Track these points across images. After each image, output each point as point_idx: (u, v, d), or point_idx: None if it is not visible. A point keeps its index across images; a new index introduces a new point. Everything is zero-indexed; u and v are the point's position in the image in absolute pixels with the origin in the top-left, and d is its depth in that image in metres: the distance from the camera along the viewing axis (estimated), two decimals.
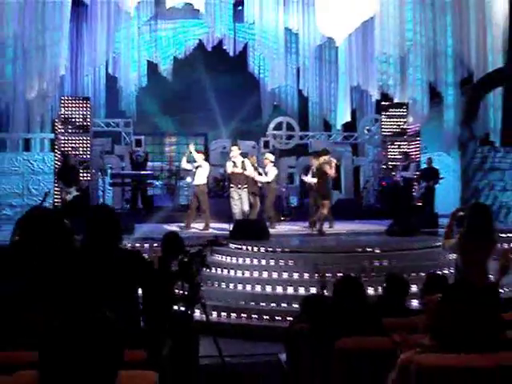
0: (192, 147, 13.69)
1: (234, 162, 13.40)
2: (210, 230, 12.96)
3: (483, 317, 2.78)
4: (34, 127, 19.30)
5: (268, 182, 13.94)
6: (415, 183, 16.50)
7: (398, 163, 17.61)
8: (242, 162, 13.47)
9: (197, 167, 13.39)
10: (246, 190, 13.34)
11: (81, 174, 15.74)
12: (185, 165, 13.82)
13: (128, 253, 4.36)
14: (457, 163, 18.18)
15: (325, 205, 12.17)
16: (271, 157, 14.36)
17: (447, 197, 18.18)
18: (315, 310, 4.57)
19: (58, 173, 14.90)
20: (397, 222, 12.35)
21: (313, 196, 13.43)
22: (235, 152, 13.61)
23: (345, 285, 4.19)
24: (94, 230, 4.18)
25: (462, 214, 5.87)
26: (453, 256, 9.63)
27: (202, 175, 13.41)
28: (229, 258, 10.07)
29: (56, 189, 16.36)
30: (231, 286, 9.28)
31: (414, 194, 14.80)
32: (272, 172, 13.94)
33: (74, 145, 16.75)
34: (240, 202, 13.20)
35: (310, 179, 13.73)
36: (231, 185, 13.44)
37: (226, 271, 9.67)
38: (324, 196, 12.29)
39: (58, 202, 16.05)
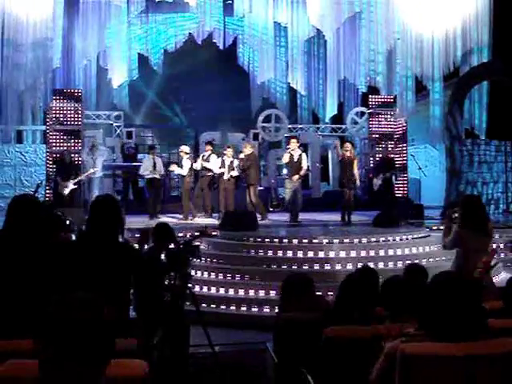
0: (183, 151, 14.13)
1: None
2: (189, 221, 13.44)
3: (469, 306, 2.79)
4: (26, 119, 19.16)
5: (183, 175, 14.05)
6: (371, 176, 16.24)
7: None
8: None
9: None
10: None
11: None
12: (177, 170, 14.05)
13: (122, 245, 4.34)
14: (442, 156, 18.25)
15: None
16: (186, 149, 14.38)
17: (433, 188, 18.28)
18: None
19: (56, 169, 14.88)
20: (382, 213, 12.42)
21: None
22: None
23: (354, 282, 4.16)
24: (96, 218, 4.17)
25: (456, 215, 5.85)
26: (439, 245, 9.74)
27: (184, 167, 13.93)
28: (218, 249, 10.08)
29: (49, 180, 16.30)
30: (220, 275, 9.27)
31: (374, 187, 14.75)
32: (186, 165, 14.02)
33: (64, 137, 16.65)
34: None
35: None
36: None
37: (215, 261, 9.68)
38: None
39: (49, 194, 15.99)
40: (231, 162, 14.05)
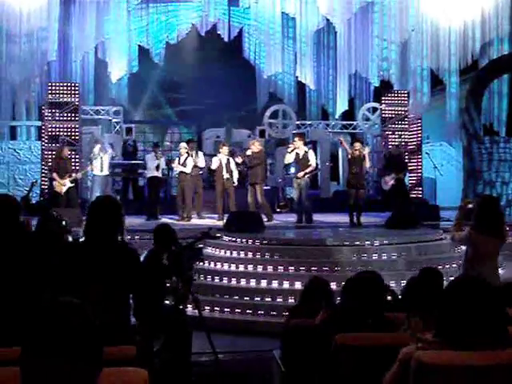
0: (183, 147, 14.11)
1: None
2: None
3: (491, 314, 2.77)
4: (20, 114, 19.22)
5: (185, 173, 14.05)
6: (381, 175, 16.14)
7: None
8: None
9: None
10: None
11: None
12: (180, 168, 14.03)
13: (122, 247, 4.35)
14: (459, 153, 18.19)
15: None
16: (185, 145, 14.43)
17: (450, 188, 18.21)
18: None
19: (52, 165, 14.73)
20: (396, 214, 12.40)
21: None
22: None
23: (359, 284, 4.15)
24: (95, 220, 4.18)
25: (470, 206, 5.89)
26: (458, 249, 9.72)
27: (188, 165, 13.97)
28: (222, 251, 10.08)
29: (43, 179, 16.31)
30: (225, 279, 9.27)
31: (383, 186, 14.71)
32: (189, 162, 14.06)
33: (61, 133, 16.68)
34: None
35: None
36: None
37: (219, 265, 9.67)
38: None
39: (44, 193, 16.01)
40: (228, 161, 14.01)
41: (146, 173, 14.68)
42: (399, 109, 18.79)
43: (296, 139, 13.62)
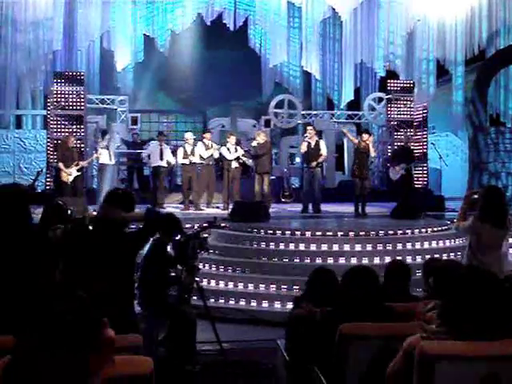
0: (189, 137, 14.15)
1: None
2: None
3: (498, 304, 2.76)
4: (26, 103, 19.23)
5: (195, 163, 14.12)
6: (389, 165, 16.08)
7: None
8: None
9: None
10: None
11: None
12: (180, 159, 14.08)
13: (130, 234, 4.38)
14: (465, 144, 18.14)
15: None
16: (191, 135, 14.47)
17: (455, 179, 18.17)
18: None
19: (58, 155, 14.74)
20: (402, 204, 12.39)
21: None
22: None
23: (358, 275, 4.17)
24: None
25: (476, 196, 5.89)
26: (460, 240, 9.72)
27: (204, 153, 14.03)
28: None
29: (49, 168, 16.33)
30: (229, 269, 9.28)
31: (392, 176, 14.66)
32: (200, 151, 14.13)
33: (66, 122, 16.67)
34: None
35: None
36: None
37: (224, 254, 9.69)
38: None
39: (50, 182, 16.04)
40: (236, 150, 14.15)
41: (151, 162, 14.69)
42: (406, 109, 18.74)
43: (310, 128, 13.64)
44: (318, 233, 9.70)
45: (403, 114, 18.76)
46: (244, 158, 14.40)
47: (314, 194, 13.26)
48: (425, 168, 18.06)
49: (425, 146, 18.28)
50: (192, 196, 14.12)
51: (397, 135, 18.59)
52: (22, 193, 4.06)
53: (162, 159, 14.32)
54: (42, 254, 3.88)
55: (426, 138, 18.37)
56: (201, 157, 13.97)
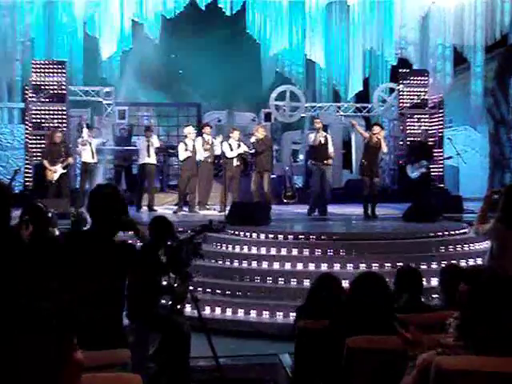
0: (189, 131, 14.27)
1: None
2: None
3: None
4: (2, 96, 19.22)
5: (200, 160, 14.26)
6: (407, 163, 16.08)
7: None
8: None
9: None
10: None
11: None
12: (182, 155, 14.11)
13: (119, 243, 4.37)
14: (485, 139, 18.15)
15: None
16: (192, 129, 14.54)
17: (474, 177, 18.18)
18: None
19: (43, 151, 14.72)
20: (415, 205, 12.39)
21: None
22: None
23: (366, 281, 4.18)
24: (97, 212, 4.21)
25: (497, 196, 5.88)
26: (482, 245, 9.73)
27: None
28: (224, 245, 10.09)
29: (27, 166, 16.33)
30: (227, 277, 9.28)
31: (411, 175, 14.65)
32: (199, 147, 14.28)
33: (47, 116, 16.67)
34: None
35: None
36: None
37: (220, 261, 9.69)
38: None
39: (29, 182, 16.04)
40: (239, 146, 14.17)
41: (138, 159, 14.70)
42: (420, 91, 18.79)
43: (318, 121, 13.68)
44: (324, 237, 9.73)
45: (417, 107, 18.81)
46: (246, 154, 14.45)
47: (323, 195, 13.28)
48: (440, 161, 18.01)
49: (440, 131, 18.32)
50: (189, 197, 14.13)
51: (410, 129, 18.59)
52: (3, 193, 4.06)
53: (149, 156, 14.32)
54: (20, 260, 3.88)
55: (443, 121, 18.39)
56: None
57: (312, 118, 15.31)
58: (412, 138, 18.25)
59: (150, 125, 18.10)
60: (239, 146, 14.26)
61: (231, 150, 14.16)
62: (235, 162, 14.17)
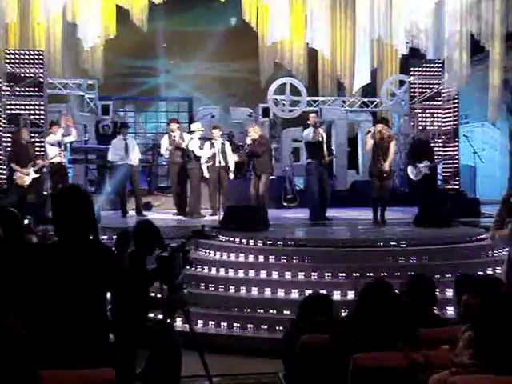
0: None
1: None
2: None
3: None
4: None
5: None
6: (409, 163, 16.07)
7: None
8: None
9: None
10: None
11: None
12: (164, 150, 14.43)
13: (97, 248, 4.34)
14: (505, 136, 18.18)
15: None
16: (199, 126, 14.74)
17: (492, 178, 18.20)
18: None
19: (10, 153, 14.66)
20: (426, 209, 12.41)
21: None
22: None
23: (373, 292, 4.21)
24: (62, 217, 4.19)
25: None
26: (501, 252, 9.74)
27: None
28: (218, 253, 10.11)
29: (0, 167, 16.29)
30: (221, 288, 9.30)
31: (413, 176, 14.67)
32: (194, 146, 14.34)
33: (23, 111, 16.65)
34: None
35: None
36: None
37: (214, 270, 9.71)
38: None
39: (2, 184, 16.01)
40: (222, 145, 14.19)
41: (113, 160, 14.65)
42: (432, 83, 18.84)
43: (313, 116, 13.71)
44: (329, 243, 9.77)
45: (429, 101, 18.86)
46: (231, 157, 14.41)
47: (325, 197, 13.29)
48: (455, 161, 18.03)
49: (455, 122, 18.35)
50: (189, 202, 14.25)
51: (422, 125, 18.61)
52: None
53: (127, 156, 14.33)
54: None
55: (457, 117, 18.43)
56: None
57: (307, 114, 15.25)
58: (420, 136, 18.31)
59: (125, 122, 18.06)
60: (223, 145, 14.25)
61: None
62: (220, 163, 13.91)
